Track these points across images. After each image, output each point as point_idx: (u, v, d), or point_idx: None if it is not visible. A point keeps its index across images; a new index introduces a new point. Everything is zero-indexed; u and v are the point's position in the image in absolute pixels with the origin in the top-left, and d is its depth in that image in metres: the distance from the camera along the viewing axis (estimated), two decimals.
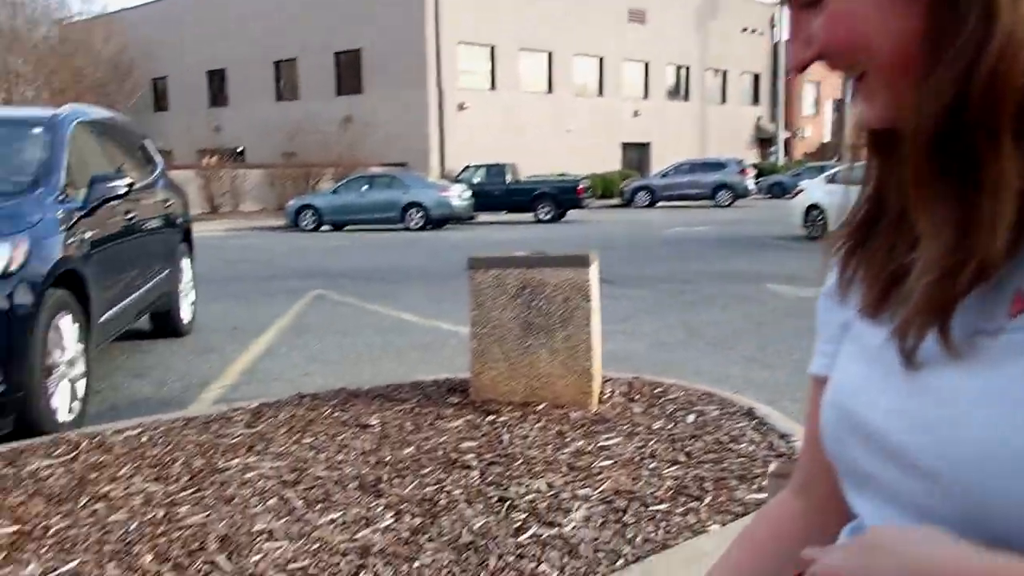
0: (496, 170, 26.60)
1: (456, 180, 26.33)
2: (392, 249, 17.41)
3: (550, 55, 37.88)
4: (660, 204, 31.91)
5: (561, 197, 25.38)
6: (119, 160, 6.53)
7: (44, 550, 3.02)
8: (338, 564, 2.90)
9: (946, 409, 0.61)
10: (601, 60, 39.92)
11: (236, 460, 3.96)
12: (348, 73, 36.11)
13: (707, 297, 9.69)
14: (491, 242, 17.75)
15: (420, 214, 22.88)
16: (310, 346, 7.29)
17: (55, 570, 2.87)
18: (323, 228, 23.70)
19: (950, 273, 0.60)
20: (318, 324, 8.39)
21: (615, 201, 33.83)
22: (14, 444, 4.22)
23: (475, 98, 34.82)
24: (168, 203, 7.57)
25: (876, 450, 0.67)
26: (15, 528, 3.21)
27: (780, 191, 32.16)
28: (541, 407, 4.71)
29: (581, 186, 25.53)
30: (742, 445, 4.21)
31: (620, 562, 2.89)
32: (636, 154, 41.48)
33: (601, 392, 5.04)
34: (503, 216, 26.56)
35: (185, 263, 7.89)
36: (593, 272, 4.88)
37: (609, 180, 36.03)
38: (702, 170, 31.54)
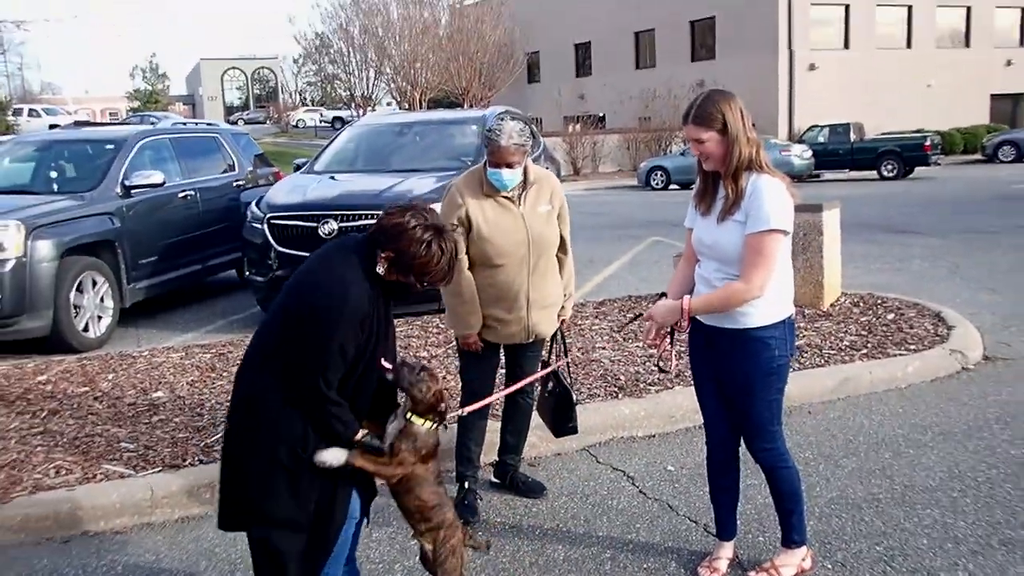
0: (840, 129, 27.27)
1: (799, 140, 27.50)
2: None
3: (910, 8, 36.77)
4: None
5: (906, 154, 25.58)
6: None
7: None
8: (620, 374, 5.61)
9: (716, 236, 3.07)
10: (968, 9, 37.82)
11: (587, 320, 6.81)
12: (702, 40, 38.12)
13: (994, 245, 10.89)
14: (822, 197, 19.14)
15: None
16: (641, 273, 10.03)
17: None
18: (671, 187, 26.33)
19: (727, 201, 3.07)
20: (650, 259, 11.10)
21: (977, 157, 32.49)
22: None
23: (827, 58, 35.08)
24: (547, 169, 10.67)
25: (705, 247, 3.10)
26: None
27: None
28: None
29: (928, 143, 25.45)
30: (914, 329, 6.24)
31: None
32: (1007, 106, 38.82)
33: (837, 300, 7.20)
34: (846, 174, 27.31)
35: None
36: (828, 216, 7.03)
37: (973, 135, 34.49)
38: None
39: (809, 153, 25.28)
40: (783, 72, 34.61)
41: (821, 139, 27.27)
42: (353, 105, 45.80)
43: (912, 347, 5.84)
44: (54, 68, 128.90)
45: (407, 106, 39.65)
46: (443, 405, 2.80)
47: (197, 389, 5.38)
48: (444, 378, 5.25)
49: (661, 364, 3.11)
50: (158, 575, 3.45)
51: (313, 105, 64.65)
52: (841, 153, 26.80)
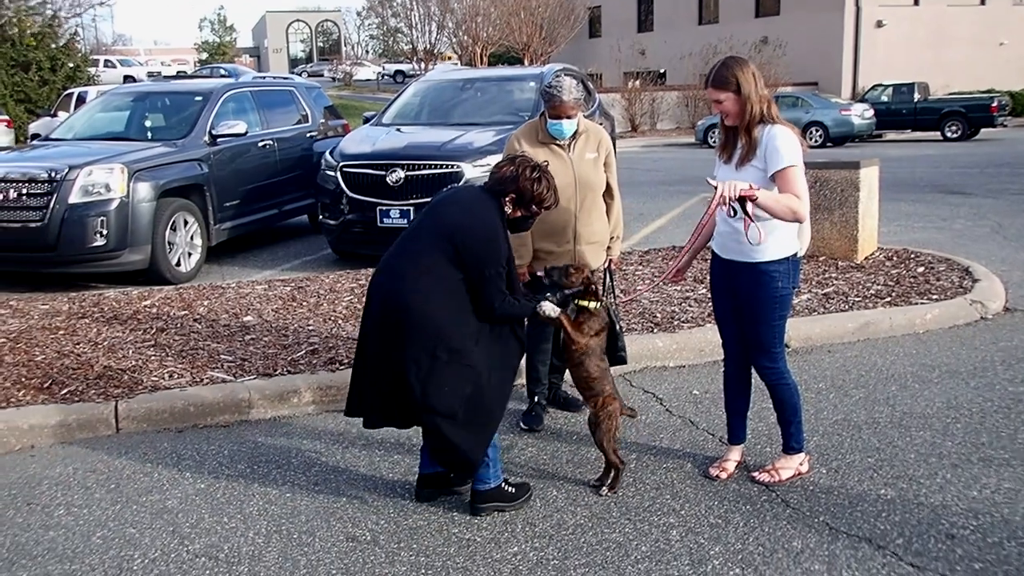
0: (904, 88, 26.93)
1: (861, 99, 27.24)
2: None
3: None
4: None
5: (971, 115, 25.22)
6: None
7: None
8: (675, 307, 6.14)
9: (734, 179, 3.55)
10: None
11: (631, 267, 7.33)
12: None
13: None
14: (877, 157, 19.16)
15: (819, 132, 24.55)
16: (688, 227, 10.42)
17: None
18: None
19: (744, 150, 3.58)
20: (698, 214, 11.43)
21: None
22: None
23: (896, 14, 34.40)
24: (601, 126, 11.12)
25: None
26: None
27: None
28: (822, 258, 7.43)
29: (995, 104, 25.04)
30: (940, 282, 6.64)
31: (820, 311, 5.75)
32: None
33: (872, 254, 7.59)
34: (909, 135, 27.02)
35: None
36: (865, 173, 7.40)
37: None
38: None
39: (871, 112, 25.08)
40: (849, 29, 34.07)
41: (884, 98, 26.96)
42: (415, 59, 46.26)
43: (935, 297, 6.26)
44: (126, 19, 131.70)
45: (468, 61, 40.00)
46: (594, 285, 3.71)
47: (281, 315, 6.08)
48: None
49: (749, 236, 3.43)
50: (256, 459, 4.13)
51: (368, 60, 65.22)
52: (904, 113, 26.48)
